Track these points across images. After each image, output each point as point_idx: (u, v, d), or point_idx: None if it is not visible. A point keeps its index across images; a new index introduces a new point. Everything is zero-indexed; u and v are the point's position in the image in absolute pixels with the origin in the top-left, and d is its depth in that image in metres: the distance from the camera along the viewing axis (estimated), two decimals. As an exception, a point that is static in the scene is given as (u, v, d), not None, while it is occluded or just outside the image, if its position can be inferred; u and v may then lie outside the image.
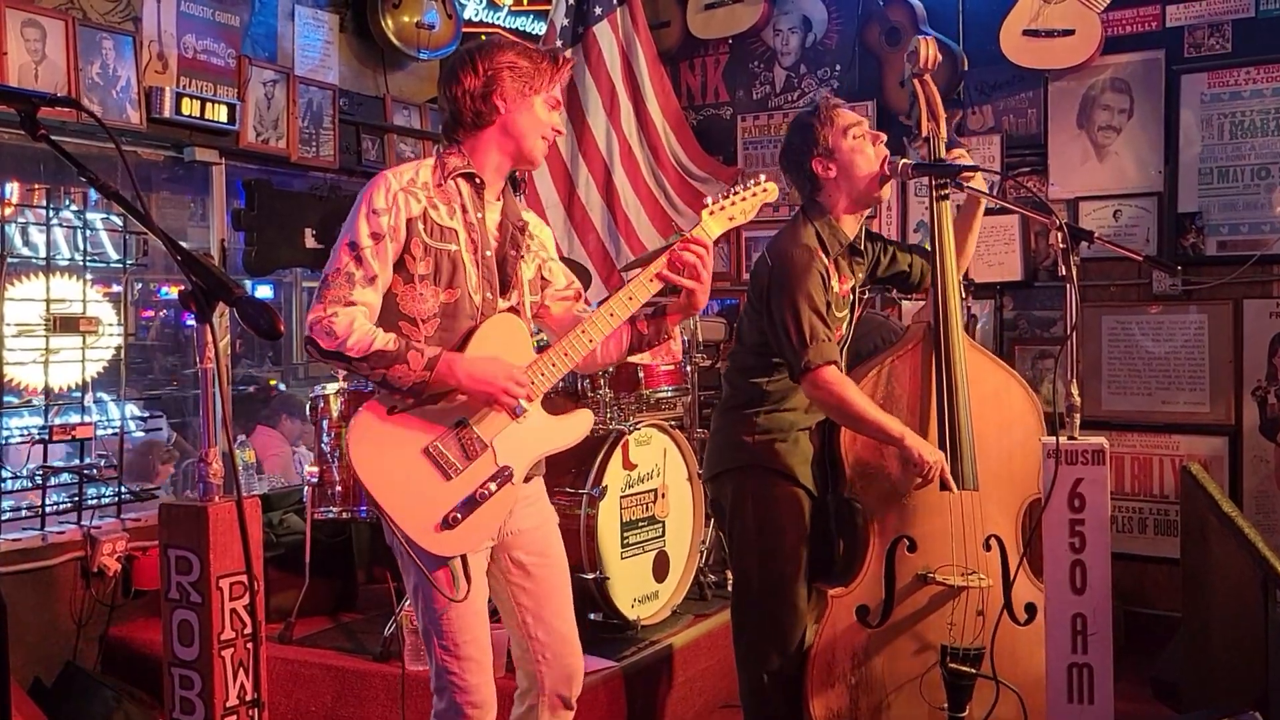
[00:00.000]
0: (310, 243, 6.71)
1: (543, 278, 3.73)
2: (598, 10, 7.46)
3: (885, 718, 4.30)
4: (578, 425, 3.62)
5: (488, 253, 3.50)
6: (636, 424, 5.51)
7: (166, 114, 5.81)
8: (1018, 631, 4.26)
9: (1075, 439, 3.92)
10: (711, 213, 3.66)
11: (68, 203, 5.54)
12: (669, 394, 6.11)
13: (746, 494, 4.32)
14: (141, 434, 6.05)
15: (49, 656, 5.28)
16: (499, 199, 3.59)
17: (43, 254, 5.43)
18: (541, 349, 3.51)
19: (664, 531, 5.62)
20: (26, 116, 2.51)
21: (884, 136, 4.31)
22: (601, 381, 5.61)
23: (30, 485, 5.34)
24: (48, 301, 5.40)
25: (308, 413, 5.54)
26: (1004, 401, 4.36)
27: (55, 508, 5.40)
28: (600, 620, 5.25)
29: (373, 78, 7.31)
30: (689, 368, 6.12)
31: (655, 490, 5.58)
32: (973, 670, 4.10)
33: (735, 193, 3.70)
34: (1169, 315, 6.45)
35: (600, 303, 3.61)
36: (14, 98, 2.54)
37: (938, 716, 4.21)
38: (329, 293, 3.30)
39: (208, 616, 2.81)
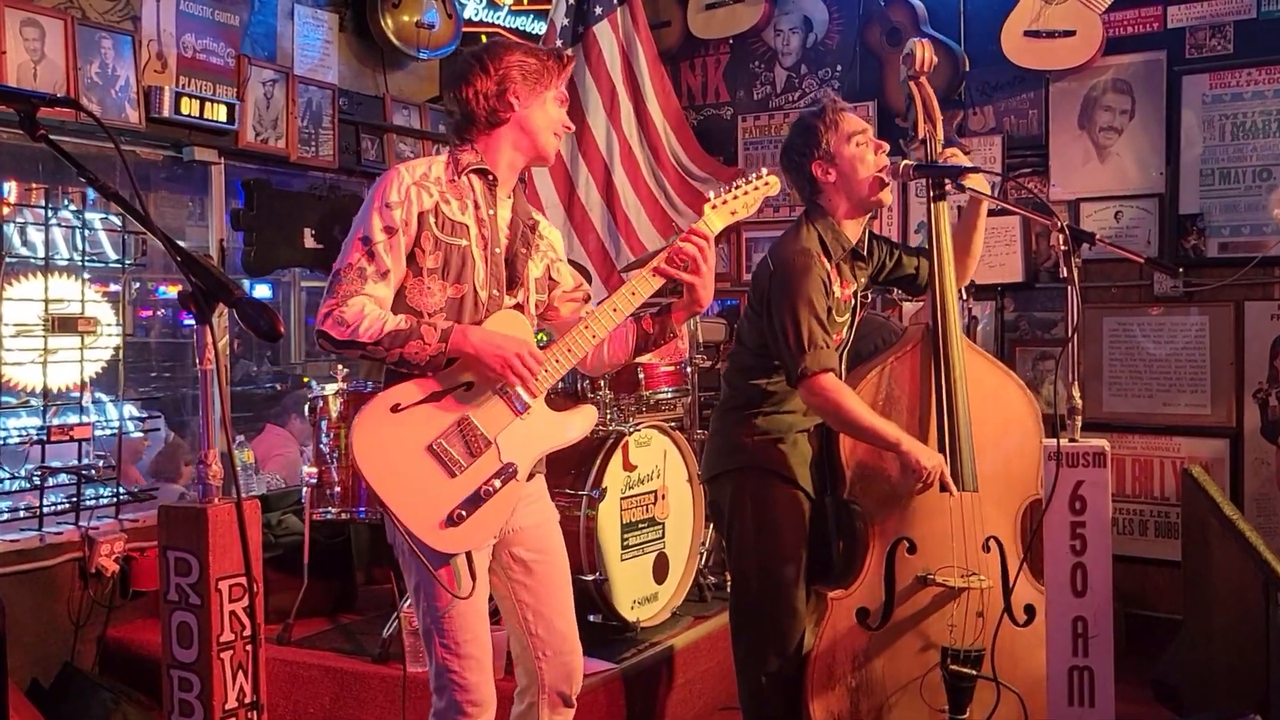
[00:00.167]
0: (309, 243, 6.70)
1: (550, 278, 3.75)
2: (598, 10, 7.45)
3: (886, 720, 4.30)
4: (581, 422, 3.63)
5: (497, 249, 3.53)
6: (636, 425, 5.50)
7: (165, 113, 5.79)
8: (1017, 633, 4.25)
9: (1076, 441, 3.92)
10: (714, 207, 3.67)
11: (66, 202, 5.52)
12: (669, 395, 6.10)
13: (745, 496, 4.31)
14: (140, 434, 6.03)
15: (47, 658, 5.27)
16: (510, 196, 3.61)
17: (41, 254, 5.41)
18: (545, 346, 3.51)
19: (664, 533, 5.61)
20: (26, 117, 2.50)
21: (886, 146, 4.31)
22: (602, 382, 5.60)
23: (28, 486, 5.32)
24: (46, 301, 5.39)
25: (306, 413, 5.53)
26: (1002, 402, 4.36)
27: (53, 508, 5.38)
28: (600, 622, 5.24)
29: (372, 77, 7.30)
30: (689, 369, 6.11)
31: (655, 492, 5.57)
32: (973, 672, 4.09)
33: (737, 186, 3.71)
34: (1170, 317, 6.44)
35: (601, 301, 3.61)
36: (14, 98, 2.53)
37: (938, 718, 4.20)
38: (340, 287, 3.32)
39: (207, 618, 2.80)
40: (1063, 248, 3.94)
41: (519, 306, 3.59)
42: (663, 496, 5.60)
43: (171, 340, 8.23)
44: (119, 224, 5.68)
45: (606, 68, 7.43)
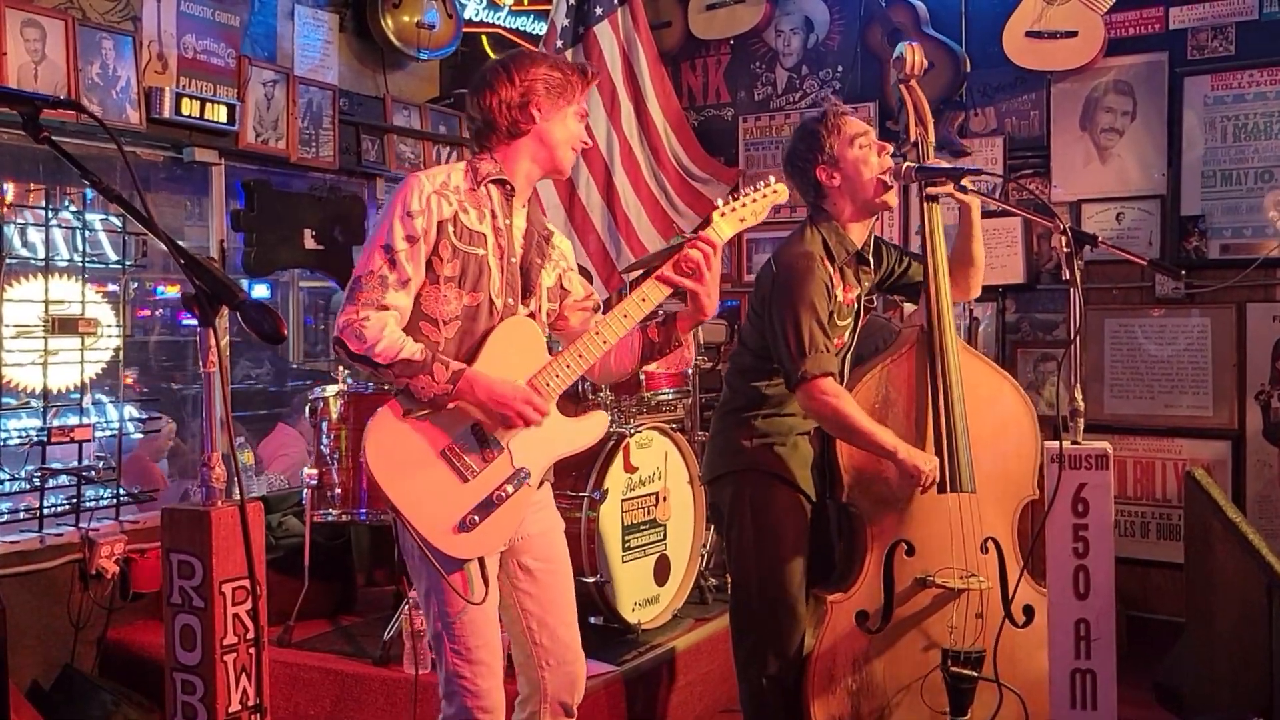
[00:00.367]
0: (310, 243, 6.70)
1: (562, 287, 3.75)
2: (598, 10, 7.44)
3: (887, 722, 4.30)
4: (592, 427, 3.66)
5: (513, 259, 3.53)
6: (638, 427, 5.49)
7: (166, 114, 5.78)
8: (1016, 634, 4.25)
9: (1079, 444, 3.91)
10: (723, 214, 3.64)
11: (66, 203, 5.52)
12: (670, 397, 6.09)
13: (744, 498, 4.30)
14: (140, 435, 6.02)
15: (47, 659, 5.26)
16: (525, 206, 3.62)
17: (41, 255, 5.41)
18: (555, 352, 3.52)
19: (665, 535, 5.60)
20: (29, 119, 2.49)
21: (890, 148, 4.29)
22: (601, 384, 5.59)
23: (28, 487, 5.31)
24: (46, 303, 5.38)
25: (307, 414, 5.52)
26: (998, 403, 4.36)
27: (53, 510, 5.37)
28: (601, 624, 5.24)
29: (372, 78, 7.29)
30: (690, 370, 6.10)
31: (656, 493, 5.57)
32: (974, 673, 4.09)
33: (746, 194, 3.68)
34: (1172, 319, 6.44)
35: (608, 308, 3.62)
36: (16, 100, 2.53)
37: (940, 720, 4.21)
38: (361, 295, 3.32)
39: (210, 621, 2.79)
40: (1065, 250, 3.93)
41: (532, 315, 3.59)
42: (664, 498, 5.60)
43: (170, 339, 8.25)
44: (119, 225, 5.67)
45: (607, 68, 7.42)
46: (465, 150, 7.61)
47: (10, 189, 5.34)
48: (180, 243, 2.55)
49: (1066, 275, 3.94)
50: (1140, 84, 6.52)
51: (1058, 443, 3.87)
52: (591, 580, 5.12)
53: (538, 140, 3.52)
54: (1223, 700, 4.71)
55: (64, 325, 5.40)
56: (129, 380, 6.62)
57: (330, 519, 5.32)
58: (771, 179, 3.75)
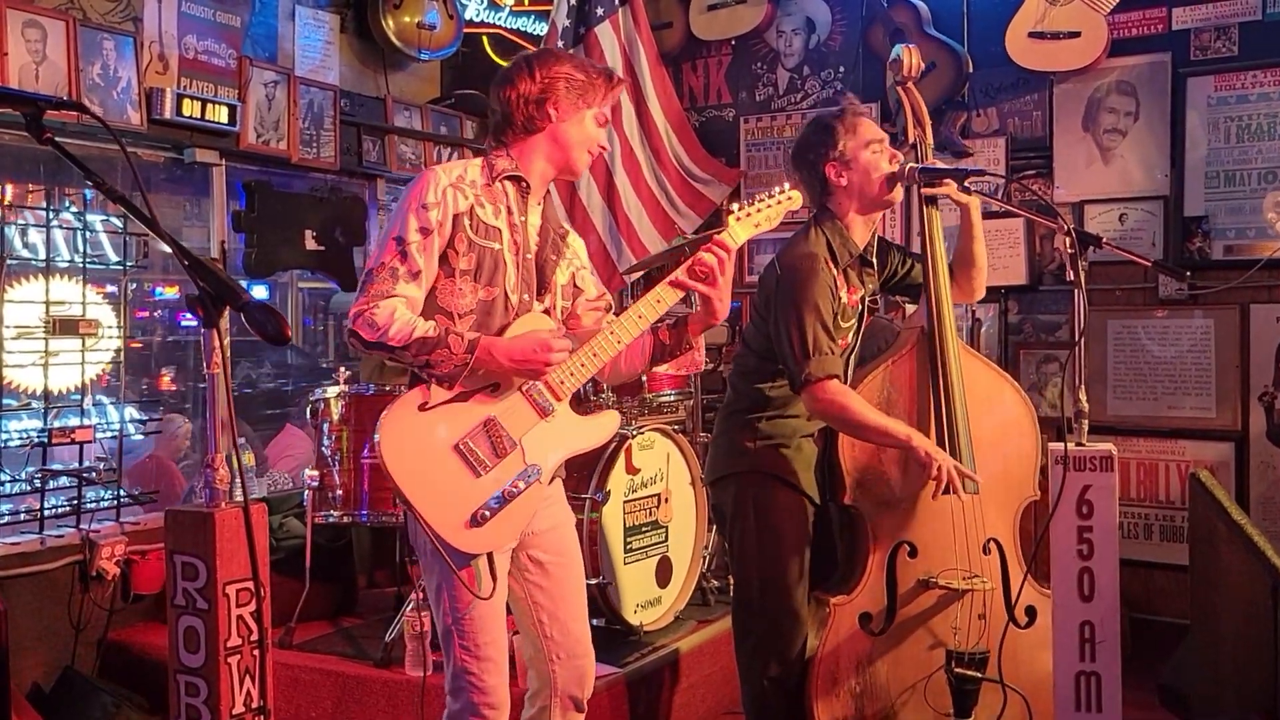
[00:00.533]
0: (310, 244, 6.69)
1: (575, 285, 3.75)
2: (599, 11, 7.43)
3: (891, 724, 4.29)
4: (605, 426, 3.67)
5: (528, 255, 3.55)
6: (639, 428, 5.48)
7: (167, 115, 5.77)
8: (1019, 635, 4.25)
9: (1083, 445, 3.90)
10: (738, 219, 3.63)
11: (66, 204, 5.51)
12: (671, 398, 6.08)
13: (747, 500, 4.29)
14: (140, 437, 6.01)
15: (47, 661, 5.25)
16: (540, 203, 3.63)
17: (42, 255, 5.40)
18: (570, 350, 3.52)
19: (667, 536, 5.59)
20: (32, 120, 2.49)
21: (901, 157, 4.27)
22: (604, 384, 5.58)
23: (29, 489, 5.30)
24: (47, 304, 5.37)
25: (308, 416, 5.51)
26: (999, 405, 4.36)
27: (54, 511, 5.36)
28: (603, 626, 5.22)
29: (373, 78, 7.28)
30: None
31: (658, 495, 5.55)
32: (978, 674, 4.09)
33: (760, 199, 3.68)
34: (1175, 320, 6.43)
35: (622, 308, 3.63)
36: (20, 101, 2.53)
37: (943, 722, 4.20)
38: (371, 287, 3.35)
39: (214, 623, 2.81)
40: (1069, 251, 3.92)
41: (546, 312, 3.61)
42: (666, 500, 5.58)
43: (170, 340, 8.23)
44: (119, 225, 5.66)
45: (608, 69, 7.41)
46: (466, 150, 7.60)
47: (10, 190, 5.32)
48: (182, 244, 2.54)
49: (1071, 276, 3.93)
50: (1143, 84, 6.51)
51: (1062, 444, 3.86)
52: (594, 582, 5.10)
53: (552, 139, 3.53)
54: (1228, 702, 4.70)
55: (65, 326, 5.39)
56: (167, 379, 6.66)
57: (331, 520, 5.31)
58: (786, 185, 3.74)
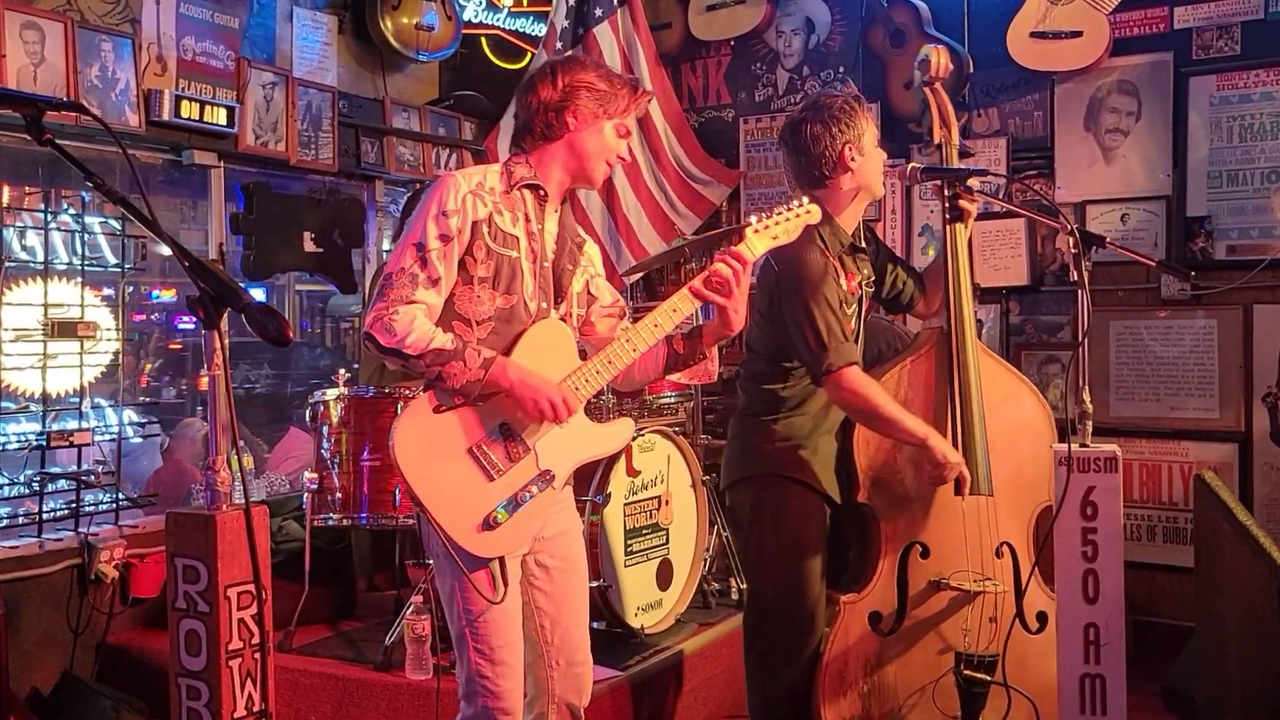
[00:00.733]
0: (309, 246, 6.68)
1: (589, 293, 3.76)
2: (598, 12, 7.42)
3: (897, 726, 4.27)
4: (618, 433, 3.70)
5: (545, 263, 3.54)
6: (640, 430, 5.46)
7: (165, 116, 5.74)
8: (1029, 639, 4.24)
9: (1087, 446, 3.88)
10: (756, 231, 3.61)
11: (65, 206, 5.49)
12: (672, 400, 6.06)
13: (764, 504, 4.27)
14: (139, 440, 5.99)
15: (46, 665, 5.22)
16: (557, 211, 3.62)
17: (40, 258, 5.38)
18: (585, 357, 3.54)
19: (667, 539, 5.57)
20: (32, 121, 2.48)
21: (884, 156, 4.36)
22: (605, 387, 5.56)
23: (28, 492, 5.28)
24: (45, 306, 5.35)
25: (308, 419, 5.48)
26: (1015, 407, 4.35)
27: (52, 514, 5.34)
28: (603, 629, 5.20)
29: (372, 80, 7.26)
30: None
31: (659, 497, 5.53)
32: (987, 677, 4.07)
33: (779, 212, 3.66)
34: (1177, 320, 6.41)
35: (637, 317, 3.63)
36: (20, 102, 2.52)
37: (950, 725, 4.18)
38: (391, 291, 3.34)
39: (215, 626, 2.80)
40: (1073, 251, 3.91)
41: (563, 319, 3.61)
42: (666, 502, 5.56)
43: (166, 344, 8.23)
44: (118, 228, 5.64)
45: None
46: (465, 152, 7.58)
47: (8, 192, 5.30)
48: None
49: (1074, 277, 3.92)
50: (1145, 84, 6.49)
51: (1066, 445, 3.85)
52: (595, 585, 5.08)
53: (569, 148, 3.52)
54: (1234, 704, 4.68)
55: (63, 329, 5.37)
56: (204, 383, 6.65)
57: (331, 523, 5.28)
58: (805, 199, 3.71)
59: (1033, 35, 6.50)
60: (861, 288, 4.32)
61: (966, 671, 4.09)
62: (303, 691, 4.99)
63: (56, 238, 5.47)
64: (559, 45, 7.33)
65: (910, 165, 4.33)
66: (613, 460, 5.25)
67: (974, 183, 4.31)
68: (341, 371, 5.52)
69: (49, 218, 5.42)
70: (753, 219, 3.64)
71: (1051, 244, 6.74)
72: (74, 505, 5.39)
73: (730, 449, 4.44)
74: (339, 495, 5.21)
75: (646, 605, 5.42)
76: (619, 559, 5.28)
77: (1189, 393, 6.36)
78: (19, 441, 5.26)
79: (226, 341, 2.63)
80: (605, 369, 3.49)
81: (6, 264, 5.25)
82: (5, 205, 5.27)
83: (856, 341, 4.31)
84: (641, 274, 7.34)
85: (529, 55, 7.80)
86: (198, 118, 5.89)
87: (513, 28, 7.90)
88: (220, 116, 5.99)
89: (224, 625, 2.79)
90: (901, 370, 4.29)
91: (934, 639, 4.25)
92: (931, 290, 4.54)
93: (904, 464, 4.18)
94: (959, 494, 4.08)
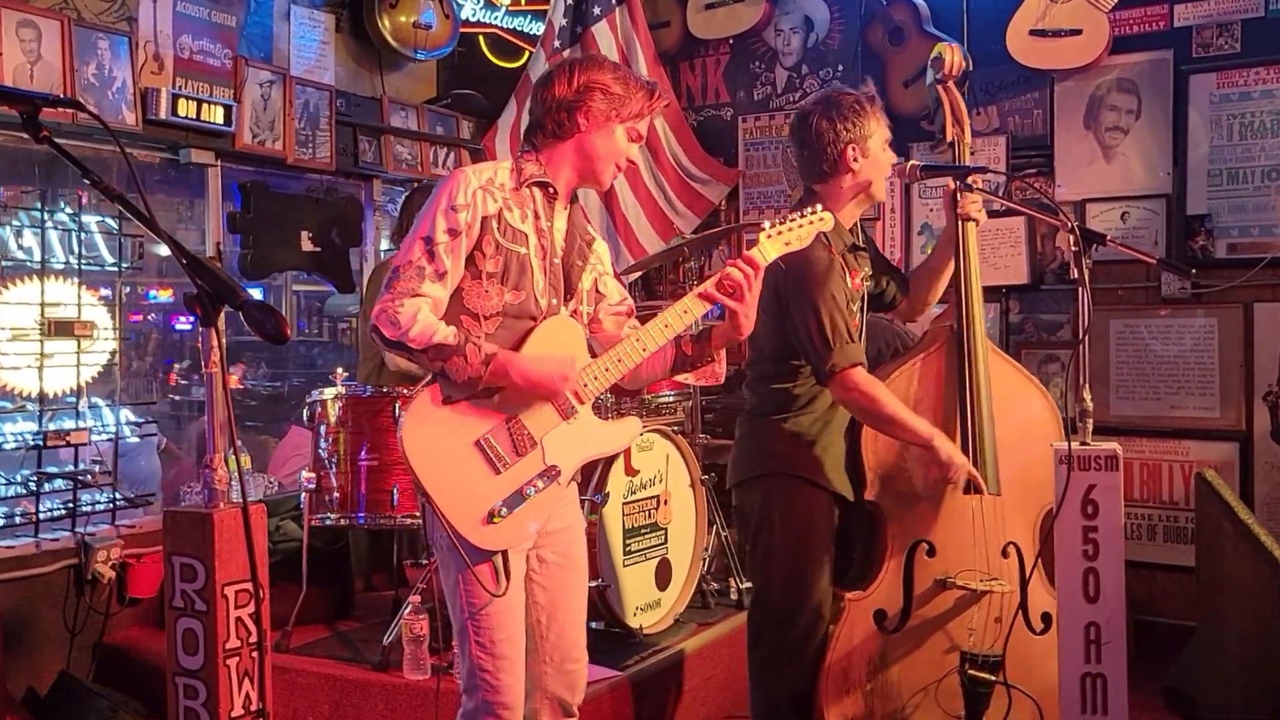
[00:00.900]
0: (307, 245, 6.66)
1: (598, 290, 3.76)
2: (596, 10, 7.41)
3: (901, 725, 4.26)
4: (625, 431, 3.73)
5: (555, 260, 3.55)
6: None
7: (162, 115, 5.73)
8: (1034, 640, 4.23)
9: (1088, 444, 3.87)
10: (769, 236, 3.61)
11: (61, 206, 5.48)
12: (671, 399, 6.05)
13: (774, 502, 4.25)
14: (136, 439, 5.98)
15: (42, 665, 5.21)
16: (566, 209, 3.62)
17: (37, 257, 5.36)
18: (595, 355, 3.55)
19: (666, 538, 5.56)
20: (29, 118, 2.47)
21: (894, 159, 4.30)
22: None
23: (24, 492, 5.26)
24: (42, 305, 5.34)
25: (305, 418, 5.47)
26: (1023, 407, 4.34)
27: (49, 514, 5.32)
28: (602, 629, 5.19)
29: (369, 78, 7.25)
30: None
31: (658, 497, 5.52)
32: (992, 677, 4.06)
33: (792, 218, 3.66)
34: (1178, 319, 6.40)
35: (649, 316, 3.63)
36: (16, 99, 2.51)
37: (953, 725, 4.17)
38: (398, 284, 3.35)
39: (213, 625, 2.79)
40: (1073, 249, 3.91)
41: (573, 315, 3.62)
42: (665, 502, 5.55)
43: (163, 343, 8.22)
44: (114, 227, 5.63)
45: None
46: (463, 151, 7.57)
47: (4, 191, 5.29)
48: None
49: (1074, 275, 3.92)
50: (1145, 82, 6.48)
51: (1066, 443, 3.84)
52: (593, 584, 5.06)
53: (579, 148, 3.53)
54: (1235, 703, 4.67)
55: (60, 328, 5.36)
56: (237, 379, 6.64)
57: (329, 523, 5.26)
58: (818, 206, 3.71)
59: (1032, 33, 6.49)
60: (864, 284, 4.31)
61: (971, 671, 4.08)
62: (300, 691, 4.97)
63: (53, 237, 5.46)
64: (557, 44, 7.32)
65: (910, 163, 4.31)
66: (611, 459, 5.23)
67: (974, 181, 4.30)
68: (340, 370, 5.50)
69: (45, 217, 5.41)
70: (766, 224, 3.63)
71: (1051, 242, 6.73)
72: (71, 505, 5.38)
73: (739, 448, 4.41)
74: (337, 495, 5.20)
75: (645, 605, 5.40)
76: (617, 558, 5.27)
77: (1189, 391, 6.35)
78: (15, 441, 5.25)
79: (224, 340, 2.61)
80: (615, 367, 3.49)
81: (3, 263, 5.25)
82: (2, 204, 5.26)
83: (861, 338, 4.31)
84: (640, 273, 7.32)
85: (527, 54, 7.79)
86: (195, 116, 5.87)
87: (510, 26, 7.88)
88: (217, 115, 5.97)
89: (221, 624, 2.78)
90: (912, 367, 4.28)
91: (939, 638, 4.24)
92: (916, 290, 4.54)
93: (912, 463, 4.18)
94: (966, 493, 4.07)
